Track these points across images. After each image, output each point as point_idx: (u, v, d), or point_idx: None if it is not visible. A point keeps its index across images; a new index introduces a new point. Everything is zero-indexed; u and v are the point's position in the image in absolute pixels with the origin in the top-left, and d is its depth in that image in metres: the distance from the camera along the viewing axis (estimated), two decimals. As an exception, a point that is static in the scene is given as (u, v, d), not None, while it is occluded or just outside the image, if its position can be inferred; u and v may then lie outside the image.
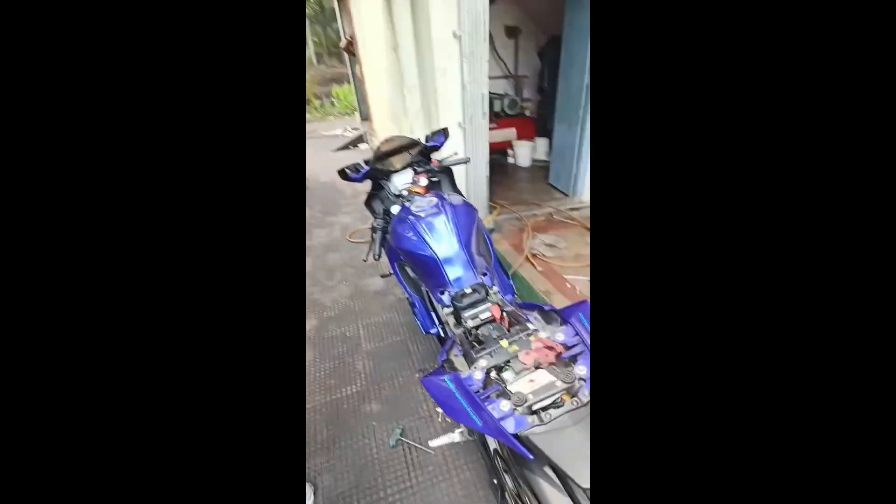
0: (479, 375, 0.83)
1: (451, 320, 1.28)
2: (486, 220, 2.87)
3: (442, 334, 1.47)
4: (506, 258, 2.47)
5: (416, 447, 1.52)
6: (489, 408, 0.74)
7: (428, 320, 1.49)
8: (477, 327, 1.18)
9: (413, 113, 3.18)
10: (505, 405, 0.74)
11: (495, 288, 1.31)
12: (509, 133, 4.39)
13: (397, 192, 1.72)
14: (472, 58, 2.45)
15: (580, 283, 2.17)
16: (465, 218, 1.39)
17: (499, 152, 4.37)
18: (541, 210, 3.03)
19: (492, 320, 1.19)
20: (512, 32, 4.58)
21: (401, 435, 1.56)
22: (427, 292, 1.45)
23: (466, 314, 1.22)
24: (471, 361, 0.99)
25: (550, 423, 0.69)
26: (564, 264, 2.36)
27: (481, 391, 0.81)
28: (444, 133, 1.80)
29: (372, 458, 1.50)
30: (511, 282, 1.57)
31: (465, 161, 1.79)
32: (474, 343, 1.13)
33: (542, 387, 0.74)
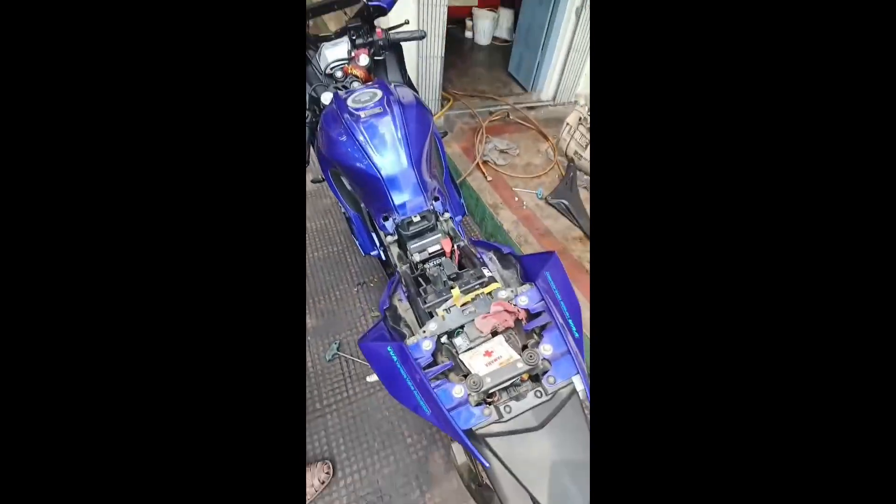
0: (428, 346, 0.74)
1: (395, 250, 1.14)
2: (437, 115, 2.51)
3: (384, 257, 1.34)
4: (455, 164, 2.25)
5: (354, 360, 1.53)
6: (439, 391, 0.67)
7: (368, 241, 1.33)
8: (424, 261, 1.07)
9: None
10: (458, 391, 0.66)
11: (447, 215, 1.16)
12: (470, -4, 3.61)
13: (329, 71, 1.32)
14: None
15: (528, 197, 2.10)
16: (416, 125, 1.12)
17: (455, 22, 3.64)
18: (497, 106, 2.72)
19: (441, 254, 1.07)
20: None
21: (338, 349, 1.55)
22: (368, 211, 1.25)
23: (413, 245, 1.08)
24: (417, 311, 0.90)
25: (511, 421, 0.65)
26: (515, 175, 2.23)
27: (430, 367, 0.73)
28: None
29: (307, 372, 1.49)
30: (462, 200, 1.42)
31: (420, 37, 1.39)
32: (420, 280, 1.03)
33: (501, 368, 0.68)
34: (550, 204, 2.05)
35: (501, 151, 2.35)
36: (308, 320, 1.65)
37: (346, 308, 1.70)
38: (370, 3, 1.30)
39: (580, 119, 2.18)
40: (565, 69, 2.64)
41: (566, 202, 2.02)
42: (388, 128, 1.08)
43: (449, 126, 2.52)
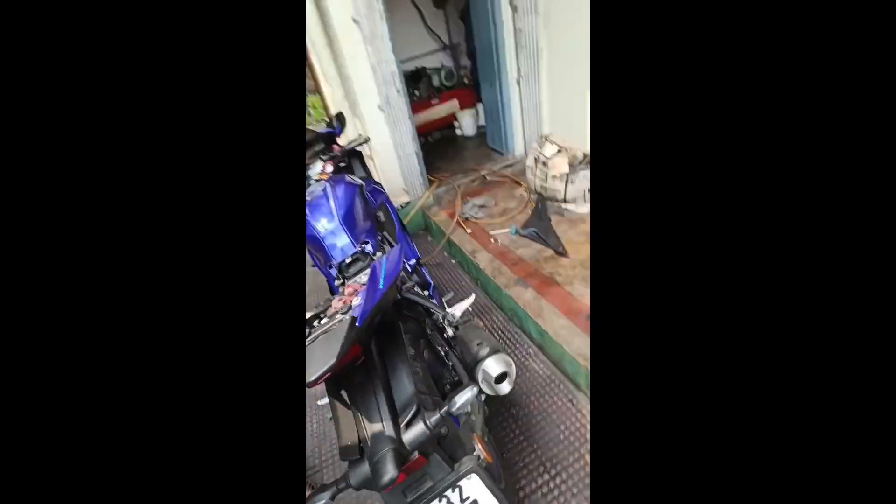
0: None
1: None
2: (424, 195, 2.97)
3: None
4: (441, 228, 2.58)
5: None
6: None
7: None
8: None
9: (338, 103, 3.26)
10: None
11: (378, 254, 1.45)
12: (452, 105, 4.41)
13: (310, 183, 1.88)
14: (374, 39, 2.52)
15: (503, 237, 2.27)
16: (343, 193, 1.54)
17: (446, 126, 4.41)
18: (476, 174, 3.12)
19: None
20: (440, 1, 4.53)
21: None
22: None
23: (350, 282, 1.36)
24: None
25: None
26: (492, 221, 2.46)
27: None
28: (339, 119, 1.93)
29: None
30: (413, 246, 1.71)
31: (365, 140, 1.93)
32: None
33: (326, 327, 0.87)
34: (523, 235, 2.20)
35: (480, 207, 2.64)
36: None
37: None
38: (323, 133, 1.89)
39: (535, 158, 2.43)
40: (524, 128, 3.01)
41: (535, 230, 2.15)
42: (323, 201, 1.50)
43: (437, 201, 2.94)
